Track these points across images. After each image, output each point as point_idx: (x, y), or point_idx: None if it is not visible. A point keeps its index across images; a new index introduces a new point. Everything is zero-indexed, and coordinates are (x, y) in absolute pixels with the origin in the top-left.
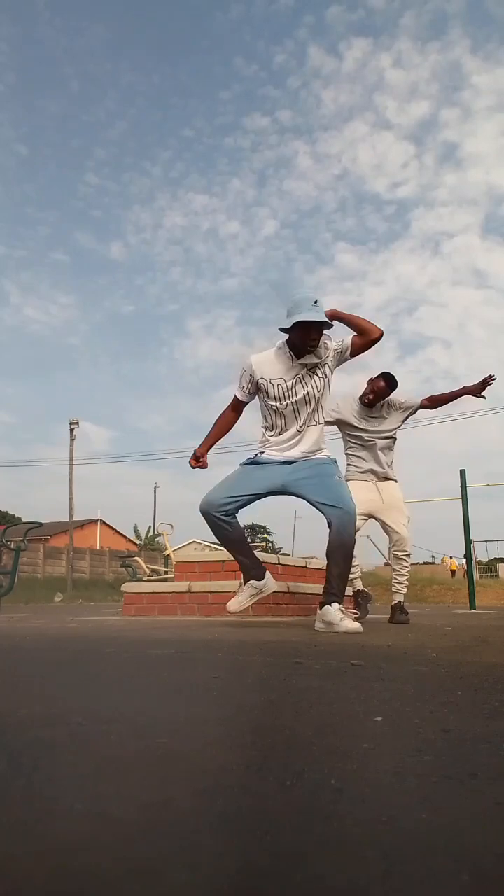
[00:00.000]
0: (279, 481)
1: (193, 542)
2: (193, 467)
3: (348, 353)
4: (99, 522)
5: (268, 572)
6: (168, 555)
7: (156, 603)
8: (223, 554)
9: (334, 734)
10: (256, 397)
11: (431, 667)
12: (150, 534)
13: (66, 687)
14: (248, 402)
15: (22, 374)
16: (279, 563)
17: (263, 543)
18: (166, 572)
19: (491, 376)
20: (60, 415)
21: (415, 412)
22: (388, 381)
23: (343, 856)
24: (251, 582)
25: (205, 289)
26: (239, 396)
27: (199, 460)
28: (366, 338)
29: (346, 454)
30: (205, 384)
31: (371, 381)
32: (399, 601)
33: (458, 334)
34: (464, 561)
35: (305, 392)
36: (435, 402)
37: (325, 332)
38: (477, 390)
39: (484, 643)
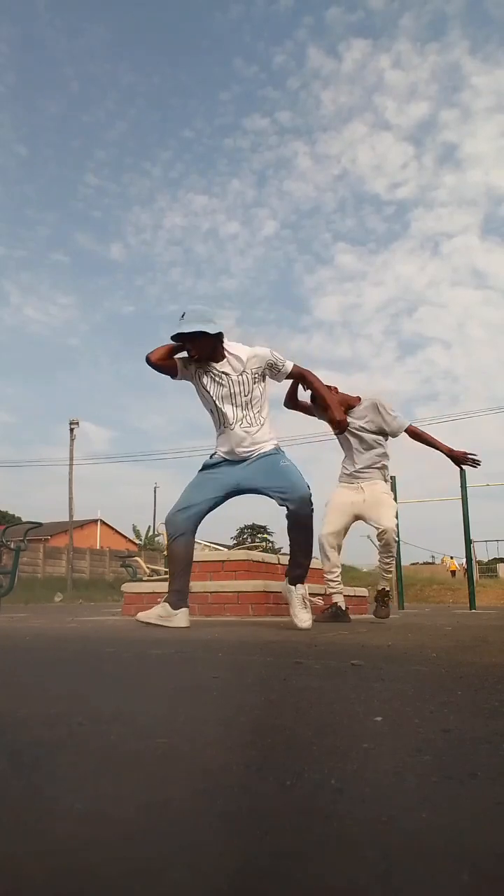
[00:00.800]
0: (233, 481)
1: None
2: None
3: (281, 378)
4: (99, 522)
5: (185, 610)
6: (166, 554)
7: (156, 603)
8: (223, 554)
9: (334, 734)
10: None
11: (431, 667)
12: (150, 534)
13: (65, 687)
14: (177, 372)
15: (22, 374)
16: (279, 563)
17: (263, 543)
18: (166, 572)
19: (477, 462)
20: (60, 415)
21: (394, 434)
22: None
23: (343, 856)
24: (167, 605)
25: (205, 289)
26: (178, 365)
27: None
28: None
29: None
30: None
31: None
32: (384, 588)
33: (458, 335)
34: (463, 561)
35: (228, 391)
36: (417, 436)
37: (226, 345)
38: (460, 459)
39: (484, 643)
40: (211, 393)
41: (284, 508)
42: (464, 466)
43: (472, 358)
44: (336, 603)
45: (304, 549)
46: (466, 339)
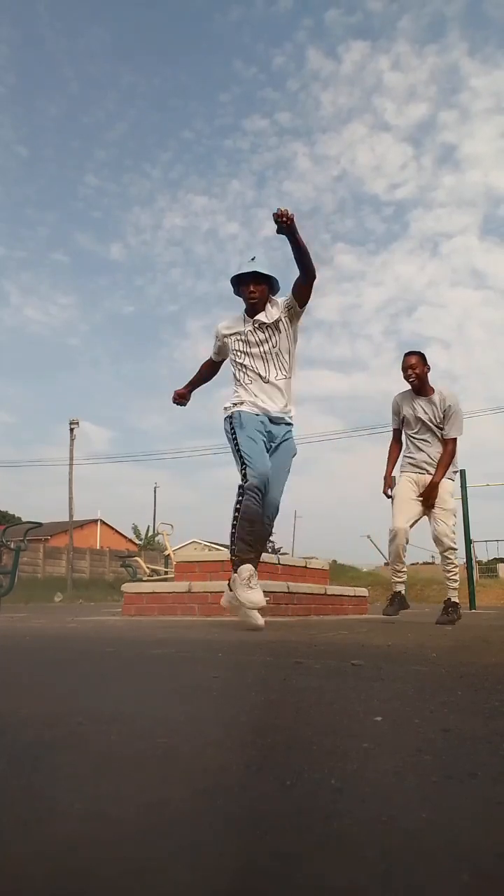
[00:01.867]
0: (266, 440)
1: (193, 542)
2: (175, 402)
3: (296, 304)
4: (99, 522)
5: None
6: (168, 555)
7: (156, 603)
8: (223, 554)
9: (334, 734)
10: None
11: (431, 666)
12: (150, 534)
13: (66, 687)
14: (218, 362)
15: (22, 374)
16: (279, 563)
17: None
18: (166, 572)
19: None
20: (60, 415)
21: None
22: (418, 355)
23: (343, 856)
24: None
25: (204, 289)
26: (212, 357)
27: (182, 398)
28: (307, 277)
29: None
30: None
31: (406, 360)
32: (449, 598)
33: (458, 335)
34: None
35: (264, 346)
36: (446, 449)
37: (271, 295)
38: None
39: (484, 643)
40: (251, 345)
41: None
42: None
43: (471, 358)
44: (399, 592)
45: (245, 536)
46: (466, 340)
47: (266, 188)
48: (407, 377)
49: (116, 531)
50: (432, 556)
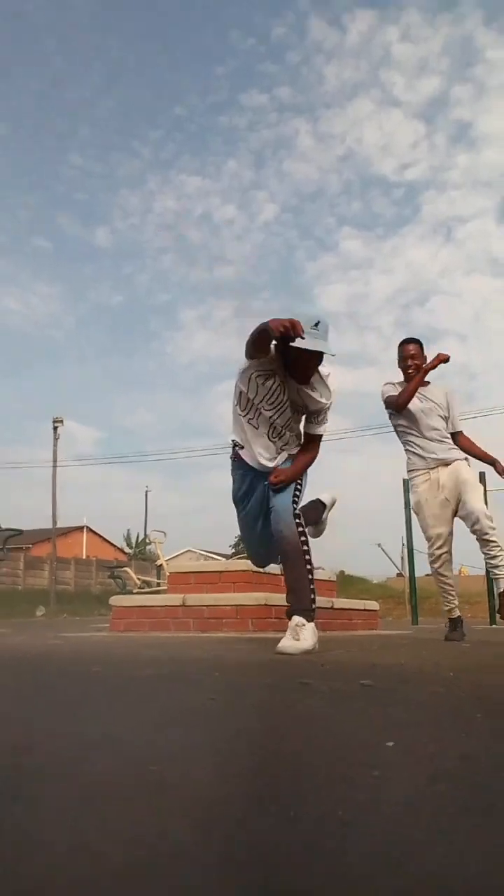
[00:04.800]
0: (263, 492)
1: (188, 551)
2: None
3: (313, 420)
4: (85, 529)
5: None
6: (160, 565)
7: (147, 618)
8: (220, 564)
9: (342, 761)
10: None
11: (448, 688)
12: (141, 541)
13: (48, 710)
14: (264, 354)
15: (1, 370)
16: (282, 574)
17: None
18: (158, 584)
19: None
20: (43, 413)
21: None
22: (417, 343)
23: (353, 895)
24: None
25: (199, 277)
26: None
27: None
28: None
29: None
30: (199, 380)
31: (402, 349)
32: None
33: (474, 326)
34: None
35: (283, 404)
36: (465, 447)
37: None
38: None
39: None
40: (269, 400)
41: None
42: None
43: (490, 352)
44: (456, 617)
45: (295, 579)
46: (484, 332)
47: (265, 168)
48: (406, 367)
49: (104, 539)
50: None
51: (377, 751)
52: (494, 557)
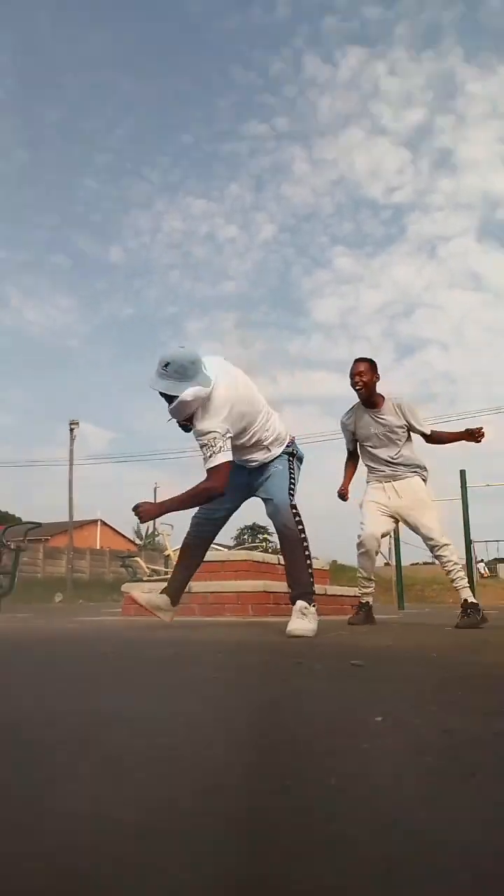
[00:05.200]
0: (244, 485)
1: None
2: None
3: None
4: (99, 522)
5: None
6: (168, 555)
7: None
8: (223, 554)
9: (334, 734)
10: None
11: (431, 667)
12: (150, 532)
13: (65, 687)
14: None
15: (22, 376)
16: (279, 564)
17: (264, 544)
18: (166, 572)
19: (480, 432)
20: (60, 416)
21: (415, 432)
22: (367, 362)
23: (343, 856)
24: (167, 598)
25: (203, 292)
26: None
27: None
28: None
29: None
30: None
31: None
32: (465, 598)
33: (456, 337)
34: (480, 566)
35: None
36: (441, 439)
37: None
38: (472, 437)
39: (484, 643)
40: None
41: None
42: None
43: (470, 360)
44: (368, 603)
45: (294, 566)
46: (464, 342)
47: (264, 191)
48: (353, 384)
49: (116, 531)
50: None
51: (366, 724)
52: (450, 571)
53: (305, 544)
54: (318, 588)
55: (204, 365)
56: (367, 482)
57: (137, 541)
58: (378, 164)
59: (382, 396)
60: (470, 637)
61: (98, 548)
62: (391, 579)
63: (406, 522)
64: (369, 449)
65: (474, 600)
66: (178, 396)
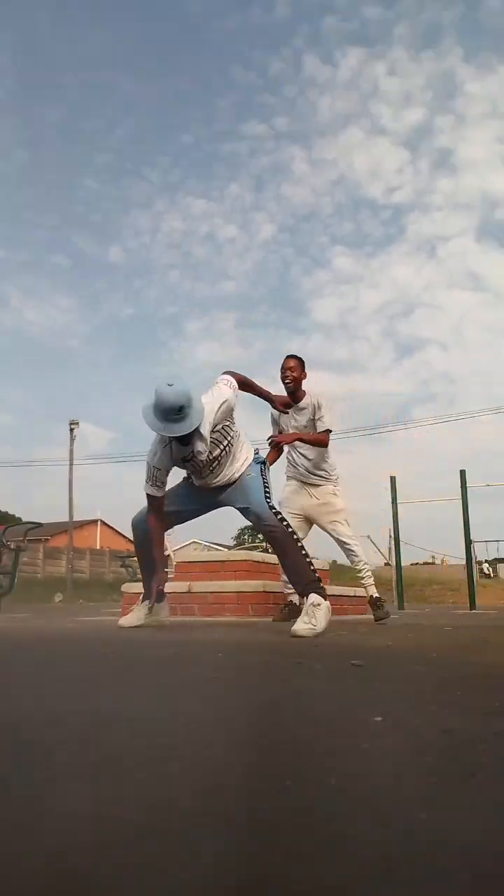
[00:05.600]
0: (211, 500)
1: (193, 542)
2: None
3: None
4: (99, 523)
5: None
6: (168, 555)
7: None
8: (223, 554)
9: (334, 734)
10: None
11: (431, 667)
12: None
13: (65, 687)
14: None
15: (22, 375)
16: (279, 564)
17: (264, 544)
18: (166, 572)
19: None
20: (60, 416)
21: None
22: (297, 359)
23: (343, 856)
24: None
25: (203, 292)
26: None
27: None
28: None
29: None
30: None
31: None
32: (371, 595)
33: (455, 337)
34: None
35: (200, 466)
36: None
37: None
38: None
39: (484, 643)
40: (187, 472)
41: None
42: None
43: (469, 359)
44: (293, 601)
45: (292, 566)
46: (463, 341)
47: (264, 191)
48: (283, 377)
49: (116, 531)
50: (432, 557)
51: (366, 724)
52: (360, 570)
53: (296, 537)
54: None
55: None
56: (286, 480)
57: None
58: (378, 164)
59: (305, 392)
60: (470, 637)
61: (98, 548)
62: (391, 579)
63: (317, 523)
64: (292, 446)
65: (377, 595)
66: (197, 432)
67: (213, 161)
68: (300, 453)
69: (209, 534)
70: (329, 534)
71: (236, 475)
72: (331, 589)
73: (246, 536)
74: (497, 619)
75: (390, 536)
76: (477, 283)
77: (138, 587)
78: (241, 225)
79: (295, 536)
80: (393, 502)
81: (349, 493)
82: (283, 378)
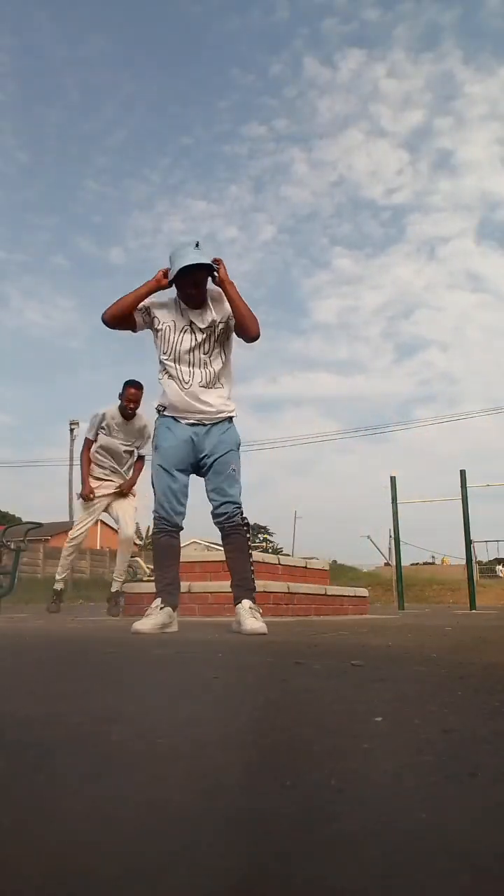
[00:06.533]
0: (191, 459)
1: (194, 542)
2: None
3: (233, 332)
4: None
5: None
6: None
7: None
8: (223, 554)
9: (334, 734)
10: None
11: (432, 667)
12: (151, 533)
13: (66, 687)
14: (136, 326)
15: (23, 376)
16: (279, 563)
17: (264, 543)
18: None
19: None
20: (61, 416)
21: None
22: (141, 388)
23: (343, 856)
24: (169, 609)
25: None
26: (136, 318)
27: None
28: (243, 334)
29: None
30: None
31: (126, 389)
32: (115, 590)
33: (455, 337)
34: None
35: (196, 345)
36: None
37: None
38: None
39: (484, 643)
40: (178, 344)
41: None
42: None
43: (469, 360)
44: (60, 589)
45: (240, 567)
46: (464, 342)
47: (264, 193)
48: (128, 406)
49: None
50: (432, 557)
51: (367, 725)
52: (125, 562)
53: (250, 543)
54: (318, 588)
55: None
56: (94, 478)
57: (138, 541)
58: (377, 166)
59: (139, 416)
60: (470, 637)
61: (98, 548)
62: (391, 579)
63: (109, 512)
64: (109, 446)
65: (118, 590)
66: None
67: (214, 162)
68: (115, 459)
69: (209, 534)
70: (116, 521)
71: (222, 410)
72: (331, 589)
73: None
74: (497, 619)
75: (390, 536)
76: (477, 284)
77: (139, 587)
78: (242, 226)
79: (251, 543)
80: (393, 502)
81: (349, 493)
82: (128, 406)
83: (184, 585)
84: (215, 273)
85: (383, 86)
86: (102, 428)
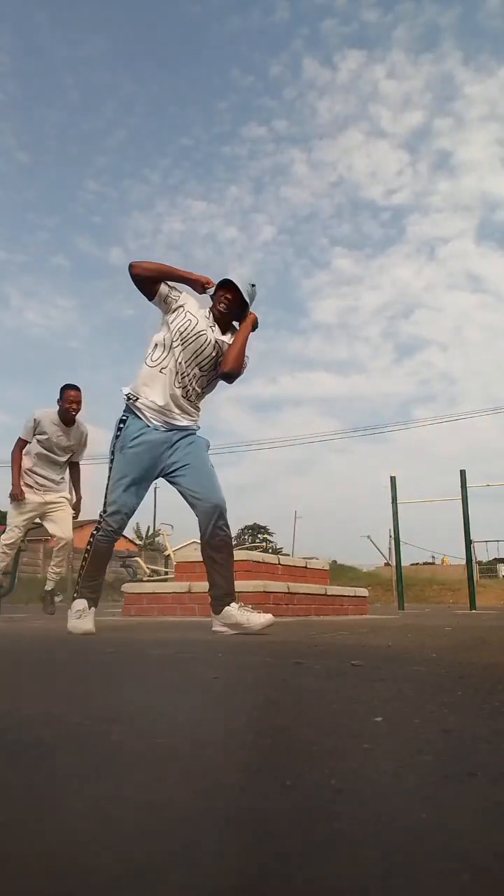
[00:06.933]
0: (158, 466)
1: (194, 542)
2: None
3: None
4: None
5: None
6: (168, 555)
7: (156, 603)
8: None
9: (334, 734)
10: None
11: (431, 667)
12: (151, 534)
13: (66, 687)
14: (154, 295)
15: (22, 376)
16: (279, 564)
17: (264, 544)
18: (166, 573)
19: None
20: None
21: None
22: (80, 391)
23: (343, 856)
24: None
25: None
26: (162, 287)
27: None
28: (224, 364)
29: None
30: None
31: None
32: (48, 589)
33: (455, 337)
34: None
35: (206, 345)
36: (73, 477)
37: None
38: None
39: (484, 643)
40: (192, 339)
41: (197, 517)
42: None
43: (469, 360)
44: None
45: (228, 569)
46: (463, 342)
47: (264, 193)
48: (69, 409)
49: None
50: (432, 557)
51: (366, 724)
52: (59, 566)
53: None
54: (318, 588)
55: None
56: (25, 487)
57: (137, 541)
58: (377, 166)
59: (79, 422)
60: (470, 637)
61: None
62: (391, 579)
63: (43, 519)
64: (45, 452)
65: (51, 590)
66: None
67: (214, 163)
68: (51, 465)
69: None
70: (49, 529)
71: (196, 422)
72: (331, 589)
73: (246, 537)
74: (497, 620)
75: (390, 536)
76: (476, 284)
77: (139, 587)
78: (242, 226)
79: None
80: (393, 502)
81: (349, 493)
82: (69, 409)
83: (184, 585)
84: (246, 312)
85: (383, 87)
86: (38, 434)
